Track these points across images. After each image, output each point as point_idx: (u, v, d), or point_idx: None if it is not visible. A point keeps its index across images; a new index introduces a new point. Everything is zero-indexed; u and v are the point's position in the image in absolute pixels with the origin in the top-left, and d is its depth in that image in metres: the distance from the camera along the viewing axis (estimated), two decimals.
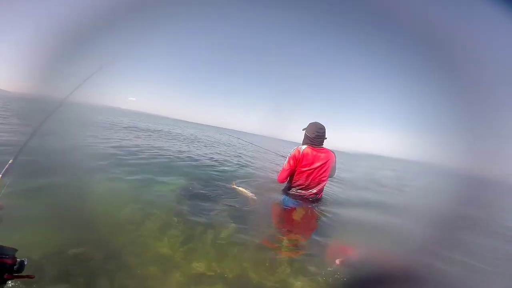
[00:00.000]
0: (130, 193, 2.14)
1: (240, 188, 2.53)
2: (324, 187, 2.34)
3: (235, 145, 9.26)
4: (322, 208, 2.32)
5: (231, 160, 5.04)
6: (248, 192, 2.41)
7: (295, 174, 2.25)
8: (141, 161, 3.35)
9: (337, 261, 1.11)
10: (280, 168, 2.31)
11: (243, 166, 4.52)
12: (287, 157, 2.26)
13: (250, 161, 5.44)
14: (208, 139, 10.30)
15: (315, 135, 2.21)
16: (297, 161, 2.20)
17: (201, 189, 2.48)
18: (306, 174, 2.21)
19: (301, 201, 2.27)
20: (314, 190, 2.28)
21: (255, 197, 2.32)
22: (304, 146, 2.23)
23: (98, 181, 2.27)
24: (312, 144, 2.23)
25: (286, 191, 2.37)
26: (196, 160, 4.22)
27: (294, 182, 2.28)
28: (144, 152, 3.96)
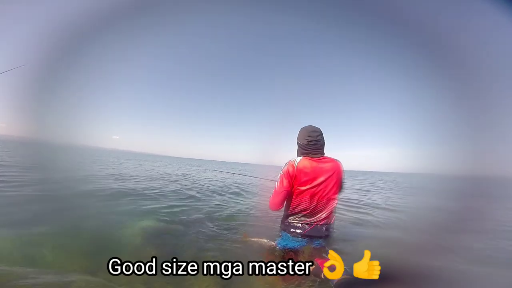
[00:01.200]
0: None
1: (254, 239, 1.92)
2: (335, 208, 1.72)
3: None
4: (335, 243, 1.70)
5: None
6: (266, 241, 1.84)
7: (294, 196, 1.64)
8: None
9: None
10: (271, 192, 1.71)
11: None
12: (279, 175, 1.67)
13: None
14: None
15: (307, 141, 1.66)
16: (293, 179, 1.61)
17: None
18: (309, 194, 1.61)
19: (306, 238, 1.64)
20: (324, 214, 1.65)
21: (273, 243, 1.74)
22: (299, 158, 1.65)
23: None
24: (307, 154, 1.67)
25: (285, 222, 1.74)
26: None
27: (295, 208, 1.66)
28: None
